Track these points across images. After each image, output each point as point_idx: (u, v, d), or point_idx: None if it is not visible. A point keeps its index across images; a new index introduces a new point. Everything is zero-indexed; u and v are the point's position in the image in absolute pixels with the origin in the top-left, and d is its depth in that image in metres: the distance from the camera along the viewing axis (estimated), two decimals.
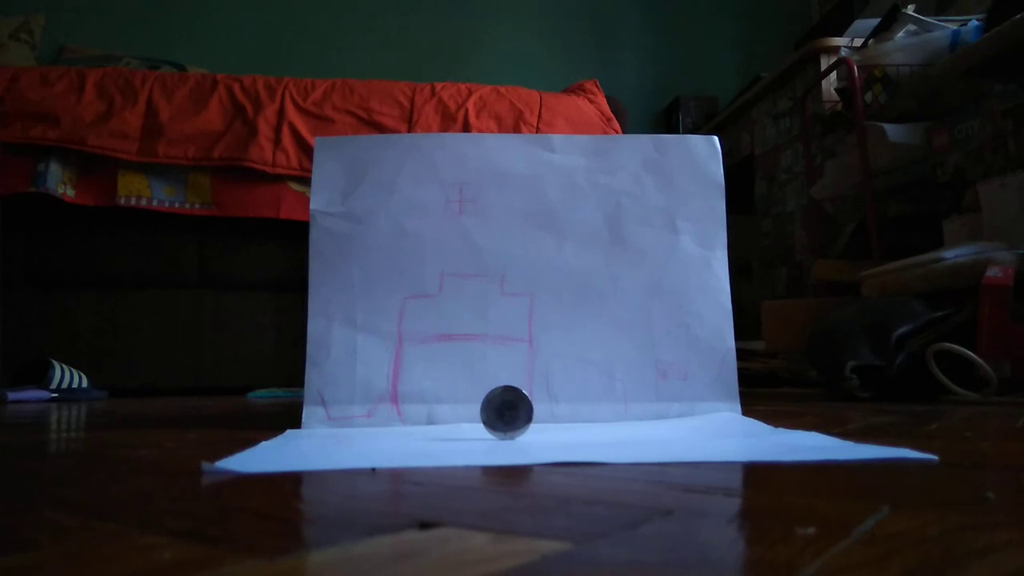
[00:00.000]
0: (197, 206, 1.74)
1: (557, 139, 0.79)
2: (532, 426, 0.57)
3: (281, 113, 1.82)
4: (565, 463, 0.42)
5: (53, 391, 1.50)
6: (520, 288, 0.75)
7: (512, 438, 0.56)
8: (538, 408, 0.60)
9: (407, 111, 1.88)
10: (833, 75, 1.96)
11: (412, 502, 0.34)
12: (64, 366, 1.57)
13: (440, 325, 0.72)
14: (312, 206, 0.74)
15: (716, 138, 0.81)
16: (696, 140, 0.80)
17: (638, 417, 0.72)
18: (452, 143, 0.78)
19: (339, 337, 0.71)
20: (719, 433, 0.62)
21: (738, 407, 0.74)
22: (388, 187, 0.75)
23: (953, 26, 1.67)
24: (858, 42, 1.95)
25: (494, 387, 0.58)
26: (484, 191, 0.76)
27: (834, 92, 1.95)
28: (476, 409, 0.57)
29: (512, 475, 0.41)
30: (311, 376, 0.70)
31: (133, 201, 1.72)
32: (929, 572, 0.20)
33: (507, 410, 0.57)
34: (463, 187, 0.76)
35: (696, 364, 0.75)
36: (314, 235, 0.73)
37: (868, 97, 1.74)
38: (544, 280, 0.75)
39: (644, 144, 0.80)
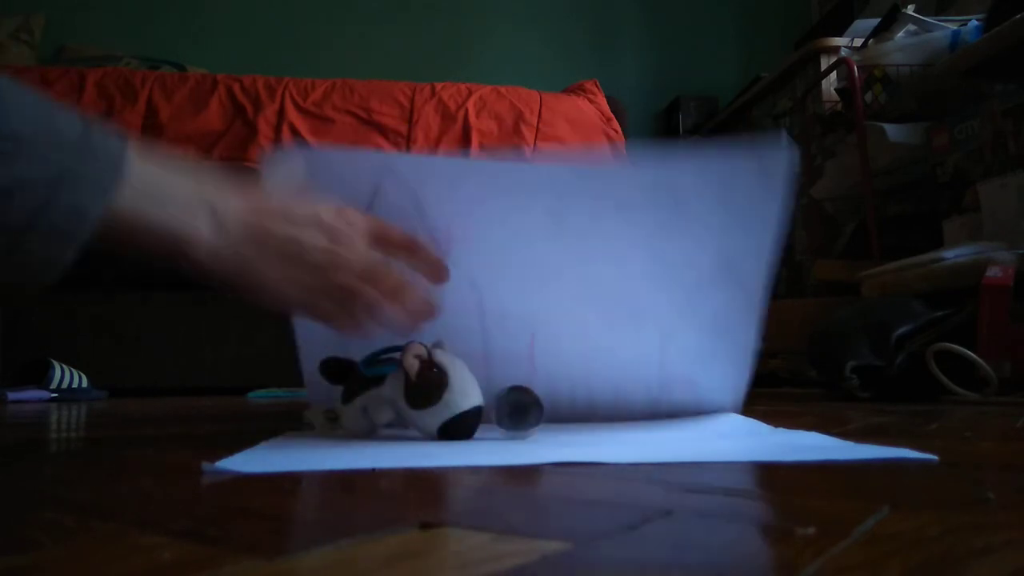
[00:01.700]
0: None
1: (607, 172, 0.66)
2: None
3: (281, 113, 1.82)
4: (565, 463, 0.42)
5: (53, 391, 1.50)
6: (521, 314, 0.67)
7: (520, 438, 0.56)
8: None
9: (407, 111, 1.88)
10: (833, 75, 1.96)
11: (412, 502, 0.34)
12: (64, 366, 1.57)
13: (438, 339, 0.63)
14: None
15: (790, 149, 0.63)
16: (769, 155, 0.64)
17: (638, 417, 0.72)
18: (441, 168, 0.65)
19: (330, 342, 0.61)
20: (719, 433, 0.62)
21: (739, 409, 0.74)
22: (408, 208, 0.62)
23: (953, 26, 1.67)
24: (858, 42, 1.95)
25: (505, 385, 0.57)
26: (476, 229, 0.64)
27: (834, 92, 1.95)
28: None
29: (512, 475, 0.41)
30: (309, 381, 0.68)
31: None
32: (929, 572, 0.20)
33: (518, 410, 0.56)
34: (451, 224, 0.63)
35: (708, 380, 0.72)
36: None
37: (868, 97, 1.74)
38: (547, 317, 0.67)
39: (709, 166, 0.65)
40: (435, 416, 0.54)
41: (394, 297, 0.54)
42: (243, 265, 0.49)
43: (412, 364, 0.53)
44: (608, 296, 0.68)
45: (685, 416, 0.71)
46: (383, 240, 0.55)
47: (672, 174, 0.64)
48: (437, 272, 0.60)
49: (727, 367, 0.71)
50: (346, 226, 0.52)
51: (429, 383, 0.53)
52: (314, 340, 0.66)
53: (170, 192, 0.47)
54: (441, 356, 0.55)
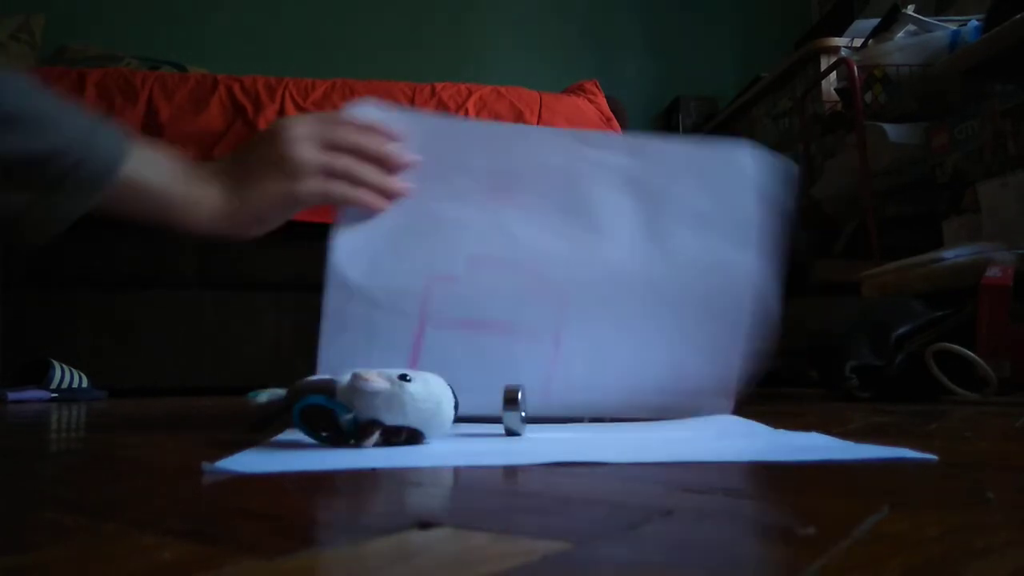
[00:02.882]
0: None
1: (597, 136, 0.75)
2: (532, 426, 0.57)
3: (281, 113, 1.81)
4: (565, 463, 0.42)
5: (53, 391, 1.50)
6: (553, 283, 0.71)
7: (515, 428, 0.56)
8: (553, 402, 0.61)
9: None
10: (833, 75, 1.96)
11: (412, 502, 0.34)
12: (64, 366, 1.57)
13: (467, 310, 0.69)
14: None
15: (758, 152, 0.76)
16: (744, 151, 0.76)
17: (641, 415, 0.72)
18: (494, 131, 0.75)
19: (357, 314, 0.67)
20: (720, 433, 0.62)
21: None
22: (423, 166, 0.70)
23: (953, 26, 1.68)
24: (858, 42, 1.95)
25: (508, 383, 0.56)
26: (522, 182, 0.72)
27: (834, 92, 1.95)
28: (491, 401, 0.56)
29: (512, 475, 0.41)
30: (325, 355, 0.66)
31: None
32: (929, 572, 0.20)
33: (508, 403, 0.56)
34: (500, 176, 0.72)
35: (714, 373, 0.73)
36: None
37: (868, 97, 1.74)
38: (579, 278, 0.71)
39: (687, 148, 0.76)
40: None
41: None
42: (239, 210, 0.65)
43: (370, 445, 0.49)
44: (627, 279, 0.72)
45: (687, 417, 0.72)
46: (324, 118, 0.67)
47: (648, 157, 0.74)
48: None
49: (733, 364, 0.73)
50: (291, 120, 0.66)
51: (404, 443, 0.51)
52: (341, 326, 0.68)
53: (164, 165, 0.62)
54: (400, 412, 0.49)
